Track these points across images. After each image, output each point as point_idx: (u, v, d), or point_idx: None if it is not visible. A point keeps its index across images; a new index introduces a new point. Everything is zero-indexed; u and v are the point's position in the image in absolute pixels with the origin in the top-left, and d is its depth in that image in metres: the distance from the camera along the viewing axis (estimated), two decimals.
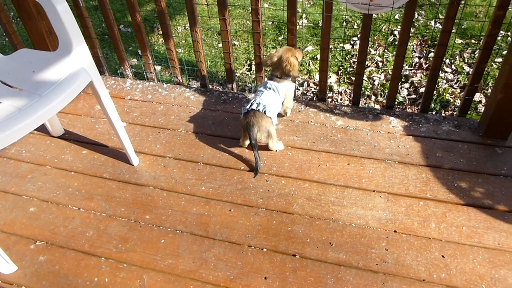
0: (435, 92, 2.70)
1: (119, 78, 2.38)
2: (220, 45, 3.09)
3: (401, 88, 2.78)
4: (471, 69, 2.82)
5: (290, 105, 2.00)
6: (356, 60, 2.98)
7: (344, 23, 3.34)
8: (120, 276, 1.48)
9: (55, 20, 1.44)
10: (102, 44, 3.17)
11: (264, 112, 1.77)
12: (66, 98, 1.42)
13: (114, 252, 1.56)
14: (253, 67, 2.92)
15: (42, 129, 2.04)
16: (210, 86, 2.56)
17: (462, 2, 3.31)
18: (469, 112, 2.51)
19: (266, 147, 1.87)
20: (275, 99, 1.87)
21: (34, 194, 1.78)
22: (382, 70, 2.88)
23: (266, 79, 1.96)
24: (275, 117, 1.84)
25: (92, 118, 2.12)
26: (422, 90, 2.71)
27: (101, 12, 2.15)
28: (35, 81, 1.45)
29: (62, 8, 1.42)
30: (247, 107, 1.81)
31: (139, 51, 2.98)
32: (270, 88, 1.87)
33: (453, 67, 2.84)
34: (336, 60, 3.00)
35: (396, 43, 3.07)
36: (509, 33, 3.02)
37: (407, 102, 2.69)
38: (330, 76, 2.90)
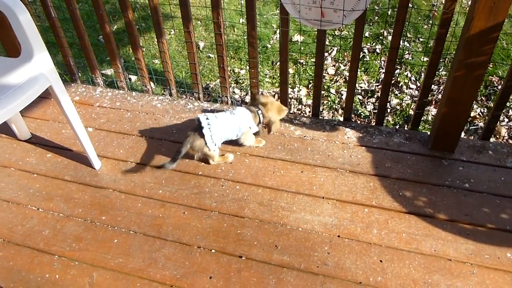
0: (399, 107, 2.81)
1: (90, 86, 2.46)
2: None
3: (367, 102, 2.88)
4: (435, 86, 2.95)
5: (247, 143, 1.98)
6: (325, 74, 3.10)
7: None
8: (70, 273, 1.54)
9: (17, 29, 1.53)
10: (80, 54, 3.26)
11: (203, 131, 1.78)
12: (24, 101, 1.50)
13: (67, 250, 1.61)
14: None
15: (10, 133, 2.10)
16: (182, 96, 2.65)
17: (430, 22, 3.46)
18: (426, 126, 2.62)
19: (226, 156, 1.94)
20: (231, 125, 1.86)
21: None
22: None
23: (243, 106, 1.98)
24: (217, 141, 1.83)
25: (59, 123, 2.19)
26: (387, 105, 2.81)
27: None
28: None
29: (24, 18, 1.51)
30: (200, 117, 1.81)
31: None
32: (234, 114, 1.87)
33: (418, 83, 2.96)
34: (307, 74, 3.11)
35: (365, 59, 3.19)
36: None
37: (373, 116, 2.79)
38: (300, 89, 3.00)
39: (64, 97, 1.68)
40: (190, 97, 2.44)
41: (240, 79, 3.13)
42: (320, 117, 2.22)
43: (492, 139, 2.42)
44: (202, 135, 1.79)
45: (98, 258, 1.58)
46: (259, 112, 1.93)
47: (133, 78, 3.12)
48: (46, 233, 1.68)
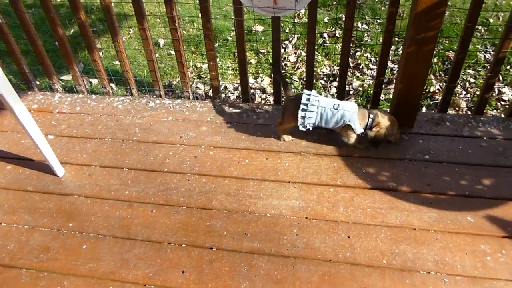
0: (361, 88, 2.86)
1: (48, 93, 2.41)
2: (158, 55, 3.15)
3: (330, 86, 2.92)
4: (396, 65, 3.01)
5: (349, 141, 1.90)
6: (287, 62, 3.12)
7: None
8: (40, 285, 1.51)
9: None
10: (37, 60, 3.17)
11: (305, 106, 1.80)
12: None
13: (35, 262, 1.58)
14: (190, 74, 3.00)
15: None
16: (145, 95, 2.62)
17: (387, 3, 3.51)
18: (387, 104, 2.68)
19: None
20: (328, 116, 1.81)
21: None
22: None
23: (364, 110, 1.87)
24: (309, 124, 1.84)
25: (18, 134, 2.14)
26: (349, 87, 2.86)
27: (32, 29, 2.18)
28: None
29: None
30: (303, 95, 1.82)
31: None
32: (337, 107, 1.80)
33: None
34: (269, 63, 3.12)
35: (326, 44, 3.22)
36: None
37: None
38: (264, 79, 3.02)
39: (18, 105, 1.64)
40: (152, 95, 2.41)
41: (202, 73, 3.11)
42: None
43: (453, 112, 2.50)
44: (296, 109, 1.83)
45: (68, 266, 1.56)
46: (371, 115, 1.83)
47: (94, 81, 3.06)
48: (11, 247, 1.64)
